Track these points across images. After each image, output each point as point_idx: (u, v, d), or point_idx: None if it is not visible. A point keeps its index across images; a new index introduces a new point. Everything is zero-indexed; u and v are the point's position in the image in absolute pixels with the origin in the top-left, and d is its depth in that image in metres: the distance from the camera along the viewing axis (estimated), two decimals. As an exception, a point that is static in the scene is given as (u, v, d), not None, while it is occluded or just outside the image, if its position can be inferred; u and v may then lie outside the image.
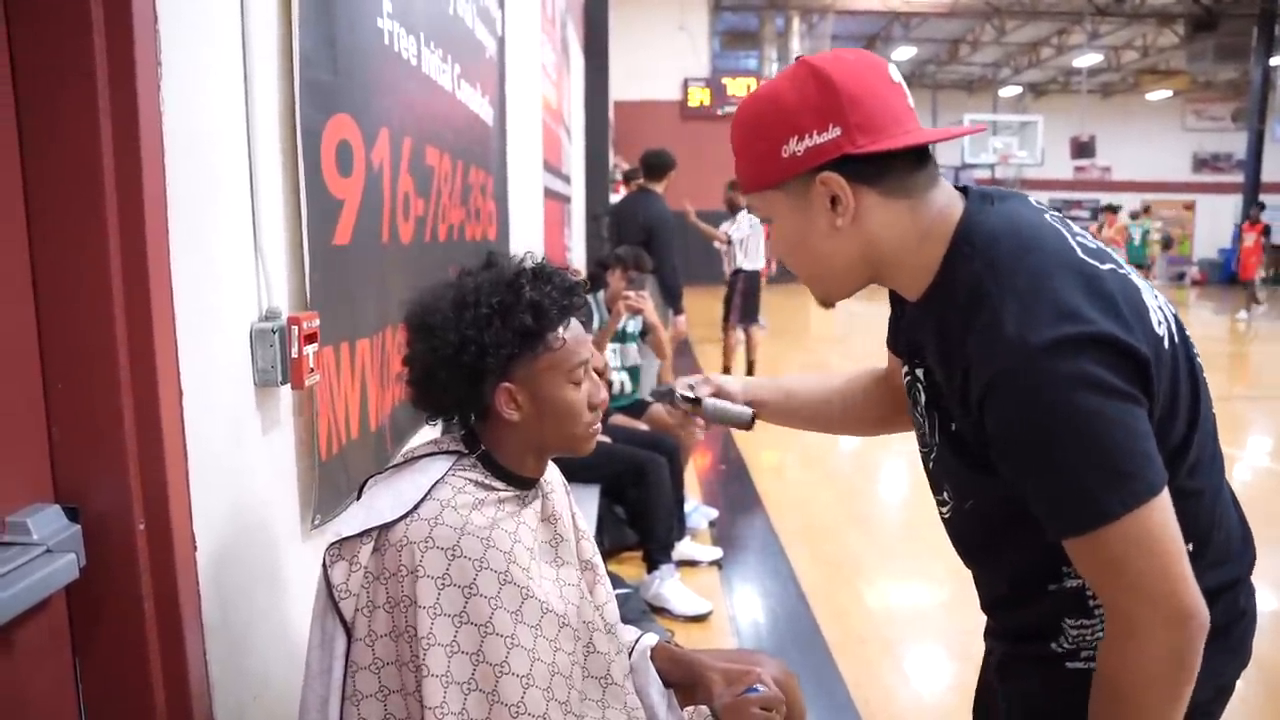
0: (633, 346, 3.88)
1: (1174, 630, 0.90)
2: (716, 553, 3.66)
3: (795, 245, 1.03)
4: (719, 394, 1.42)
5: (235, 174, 1.29)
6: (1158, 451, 0.91)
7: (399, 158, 1.87)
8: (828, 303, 1.10)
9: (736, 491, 4.70)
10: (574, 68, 7.91)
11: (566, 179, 6.96)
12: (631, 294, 3.55)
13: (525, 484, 1.23)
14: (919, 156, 0.99)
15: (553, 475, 1.34)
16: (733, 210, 7.71)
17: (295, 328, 1.35)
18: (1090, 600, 1.02)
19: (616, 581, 3.00)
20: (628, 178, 6.23)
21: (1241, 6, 17.32)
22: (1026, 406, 0.89)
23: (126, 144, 1.03)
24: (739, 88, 18.08)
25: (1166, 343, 0.97)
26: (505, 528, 1.15)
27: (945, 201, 1.01)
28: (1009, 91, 24.55)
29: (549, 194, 5.70)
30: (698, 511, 4.02)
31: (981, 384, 0.92)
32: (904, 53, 21.12)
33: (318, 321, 1.42)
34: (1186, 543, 0.92)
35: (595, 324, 3.95)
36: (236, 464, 1.30)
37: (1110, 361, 0.88)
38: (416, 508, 1.10)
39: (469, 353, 1.13)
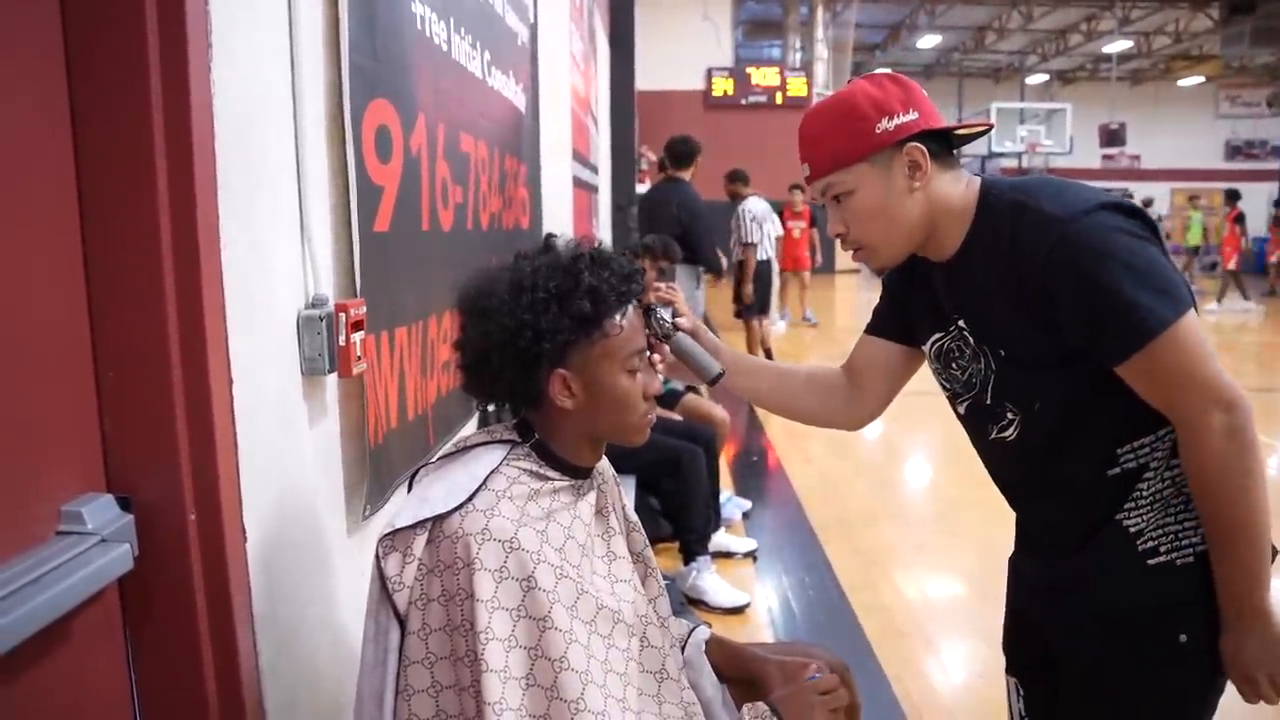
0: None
1: (1228, 413, 1.11)
2: (751, 544, 3.64)
3: (876, 210, 1.24)
4: (698, 338, 1.43)
5: (283, 158, 1.27)
6: None
7: (435, 144, 1.84)
8: (886, 267, 1.33)
9: (768, 482, 4.67)
10: (600, 58, 7.87)
11: (594, 169, 6.93)
12: (661, 285, 3.51)
13: (580, 473, 1.20)
14: (950, 144, 1.27)
15: (604, 466, 1.31)
16: (734, 201, 7.66)
17: (343, 315, 1.33)
18: (1149, 464, 1.21)
19: (652, 573, 2.98)
20: (661, 166, 6.18)
21: (1278, -11, 16.98)
22: (1081, 253, 1.12)
23: (178, 127, 1.01)
24: (763, 77, 17.93)
25: None
26: (560, 520, 1.13)
27: (968, 175, 1.29)
28: (1036, 79, 24.24)
29: (578, 183, 5.67)
30: (731, 503, 3.99)
31: (1040, 262, 1.15)
32: (929, 40, 20.92)
33: (365, 309, 1.40)
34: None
35: None
36: (285, 453, 1.28)
37: (1131, 217, 1.15)
38: (471, 498, 1.08)
39: (525, 337, 1.10)
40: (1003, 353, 1.26)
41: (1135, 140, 22.03)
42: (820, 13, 18.53)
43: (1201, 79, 23.35)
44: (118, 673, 1.08)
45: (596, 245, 1.18)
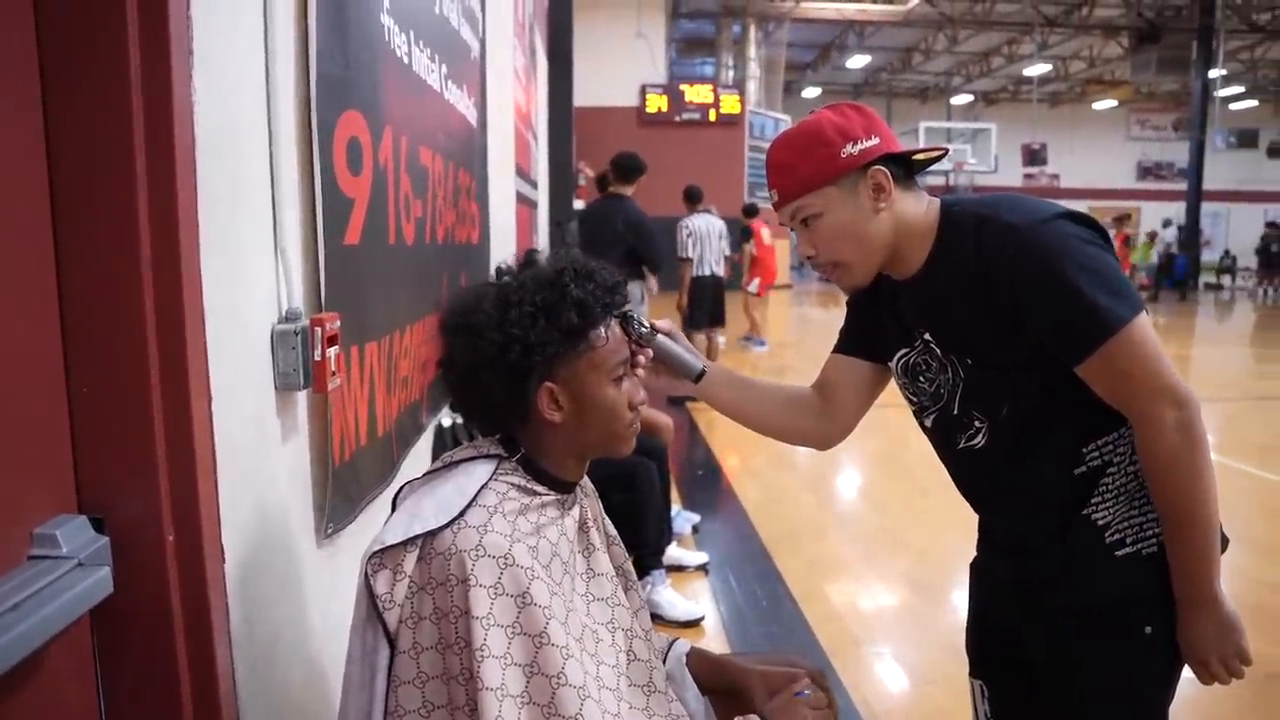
0: None
1: (1179, 409, 1.18)
2: (703, 557, 3.65)
3: (845, 230, 1.30)
4: (674, 340, 1.45)
5: (259, 169, 1.24)
6: None
7: (399, 156, 1.82)
8: (857, 286, 1.36)
9: (715, 496, 4.69)
10: (539, 73, 7.87)
11: (534, 184, 6.92)
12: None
13: (566, 487, 1.20)
14: (910, 168, 1.34)
15: (585, 481, 1.30)
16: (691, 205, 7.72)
17: (319, 329, 1.30)
18: (1113, 461, 1.27)
19: (608, 588, 2.97)
20: (601, 184, 6.16)
21: (1182, 20, 17.84)
22: (1041, 257, 1.19)
23: (160, 135, 0.98)
24: (696, 94, 18.12)
25: None
26: (549, 536, 1.12)
27: (928, 197, 1.35)
28: (961, 100, 24.99)
29: (520, 199, 5.64)
30: (681, 516, 3.99)
31: (1005, 268, 1.21)
32: (858, 60, 21.39)
33: (338, 323, 1.37)
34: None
35: None
36: (260, 471, 1.25)
37: (1085, 225, 1.23)
38: (463, 514, 1.06)
39: (514, 352, 1.09)
40: (970, 360, 1.31)
41: (1055, 159, 22.84)
42: (752, 32, 18.83)
43: (1115, 103, 24.35)
44: (88, 704, 1.03)
45: (579, 258, 1.17)
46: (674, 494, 4.49)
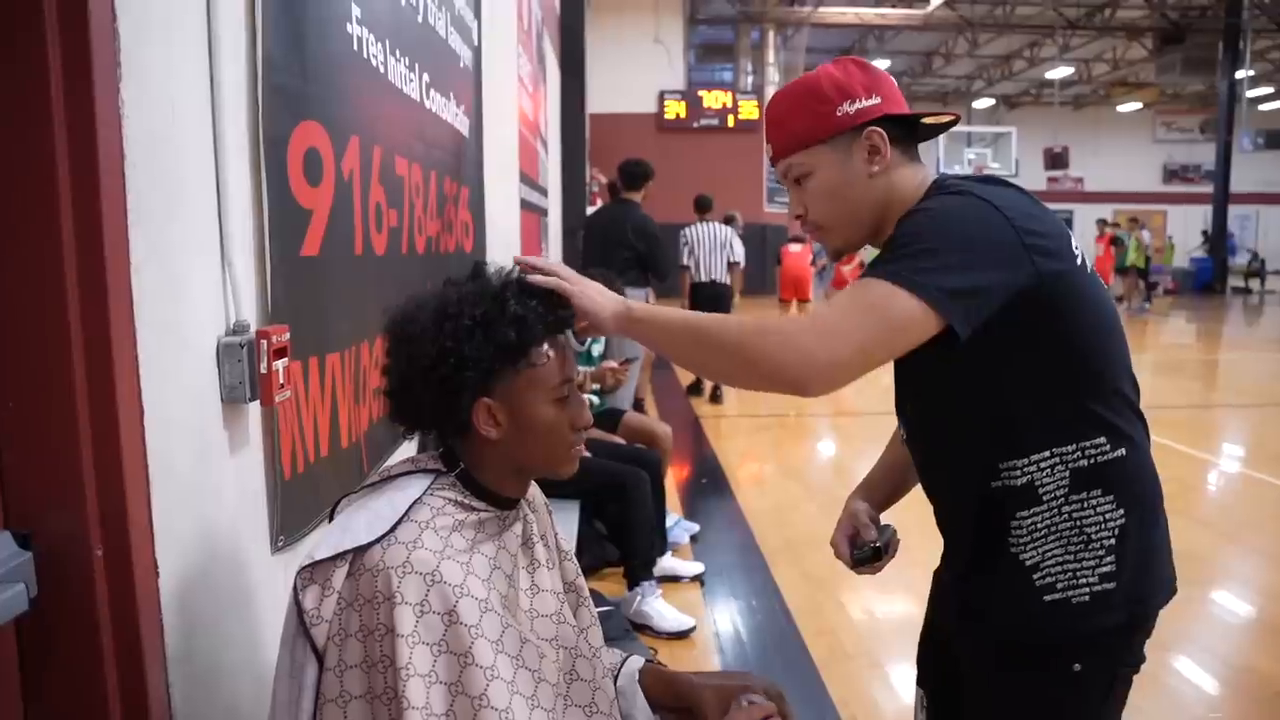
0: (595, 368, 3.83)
1: (811, 356, 1.07)
2: (698, 568, 3.61)
3: (833, 192, 1.23)
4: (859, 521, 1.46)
5: (201, 181, 1.24)
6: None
7: (370, 167, 1.82)
8: (843, 252, 1.31)
9: (717, 505, 4.65)
10: (550, 80, 7.88)
11: (544, 191, 6.92)
12: (613, 364, 3.40)
13: (506, 504, 1.18)
14: (912, 135, 1.27)
15: (534, 494, 1.29)
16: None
17: (265, 342, 1.29)
18: (1039, 490, 1.18)
19: (598, 599, 2.95)
20: (614, 190, 6.15)
21: (1208, 21, 17.61)
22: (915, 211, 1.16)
23: (83, 149, 0.98)
24: (715, 100, 18.11)
25: (1084, 264, 1.19)
26: (485, 551, 1.10)
27: (926, 170, 1.27)
28: (983, 103, 24.80)
29: (526, 206, 5.65)
30: (679, 526, 3.97)
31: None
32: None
33: (288, 335, 1.36)
34: (1132, 508, 1.18)
35: None
36: (202, 484, 1.24)
37: (1019, 215, 1.12)
38: (393, 529, 1.05)
39: (447, 365, 1.08)
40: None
41: (1078, 163, 22.59)
42: (772, 37, 18.79)
43: (1139, 105, 24.07)
44: (12, 717, 1.02)
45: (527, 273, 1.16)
46: (675, 502, 4.47)
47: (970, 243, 1.09)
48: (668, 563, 3.54)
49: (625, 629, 2.85)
